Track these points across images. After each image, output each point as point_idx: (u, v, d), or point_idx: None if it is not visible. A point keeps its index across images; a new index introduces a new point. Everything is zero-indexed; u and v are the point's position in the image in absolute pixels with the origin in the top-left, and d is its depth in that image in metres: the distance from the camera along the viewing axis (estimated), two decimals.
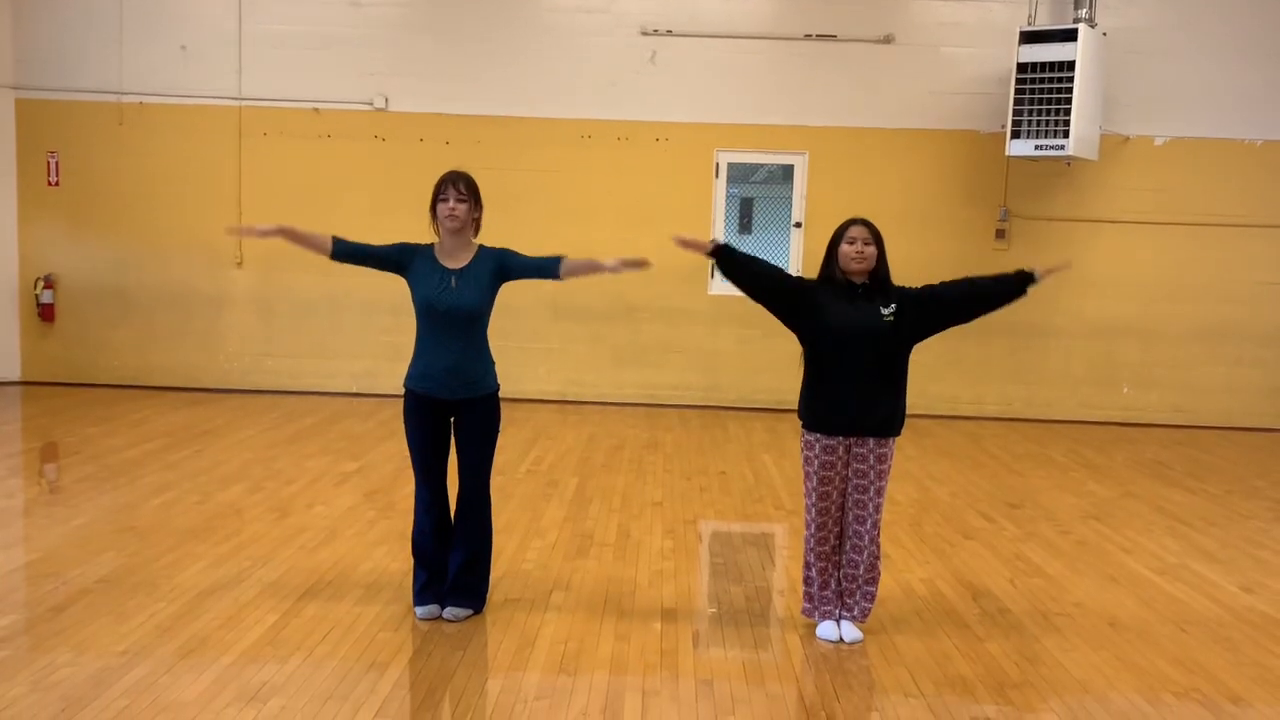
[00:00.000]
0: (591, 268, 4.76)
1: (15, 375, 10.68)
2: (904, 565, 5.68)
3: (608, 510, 6.60)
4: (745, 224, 11.44)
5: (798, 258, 10.55)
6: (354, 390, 10.48)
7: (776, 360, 10.62)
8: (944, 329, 4.58)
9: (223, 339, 10.69)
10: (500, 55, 10.42)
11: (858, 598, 4.60)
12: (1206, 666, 4.45)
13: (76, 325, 10.66)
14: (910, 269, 10.29)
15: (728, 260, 4.72)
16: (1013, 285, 4.55)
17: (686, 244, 4.70)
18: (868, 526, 4.52)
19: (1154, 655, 4.55)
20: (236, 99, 10.45)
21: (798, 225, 10.56)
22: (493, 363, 4.69)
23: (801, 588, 4.73)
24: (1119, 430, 10.18)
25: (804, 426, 4.58)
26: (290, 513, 6.26)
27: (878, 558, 4.59)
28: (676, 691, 4.02)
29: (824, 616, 4.63)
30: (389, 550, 5.58)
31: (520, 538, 5.91)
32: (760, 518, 6.74)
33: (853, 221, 4.58)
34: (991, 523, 6.63)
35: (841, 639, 4.55)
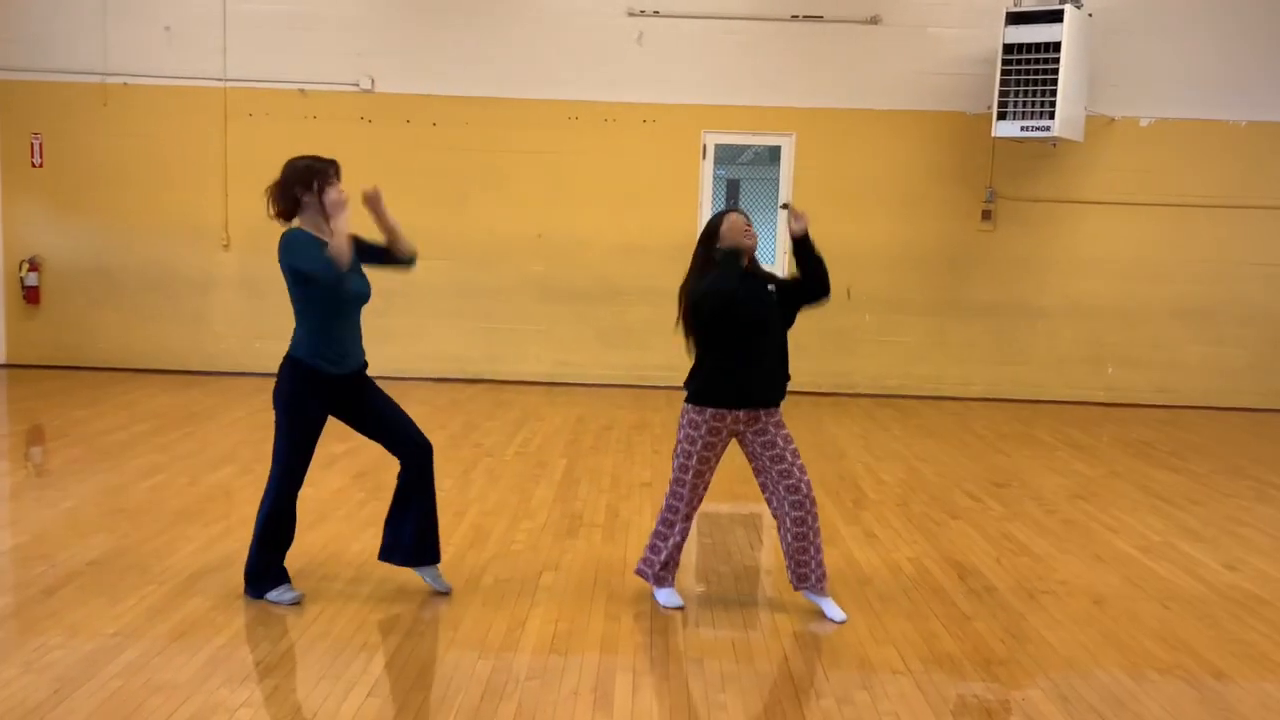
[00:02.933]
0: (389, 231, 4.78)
1: (1, 358, 10.64)
2: (891, 545, 5.73)
3: (597, 491, 6.63)
4: (732, 205, 11.43)
5: (784, 239, 10.55)
6: None
7: None
8: (813, 301, 4.79)
9: (210, 321, 10.67)
10: (487, 36, 10.38)
11: (813, 566, 4.60)
12: (1190, 643, 4.51)
13: (62, 308, 10.61)
14: (896, 249, 10.43)
15: (809, 250, 4.84)
16: (799, 258, 4.82)
17: (797, 216, 4.96)
18: (805, 491, 4.57)
19: (1138, 632, 4.61)
20: (221, 80, 10.40)
21: (784, 207, 10.55)
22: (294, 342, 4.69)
23: (658, 556, 4.73)
24: (1104, 410, 10.26)
25: (693, 403, 4.62)
26: None
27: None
28: (667, 670, 4.05)
29: (662, 584, 4.74)
30: (378, 532, 5.55)
31: (509, 519, 5.93)
32: (748, 498, 6.77)
33: (730, 209, 4.85)
34: (978, 502, 6.68)
35: (830, 619, 4.57)
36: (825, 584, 4.65)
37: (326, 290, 4.44)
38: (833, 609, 4.63)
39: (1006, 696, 3.95)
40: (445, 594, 4.72)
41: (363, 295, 4.71)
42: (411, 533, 4.65)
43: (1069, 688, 4.02)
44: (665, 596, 4.72)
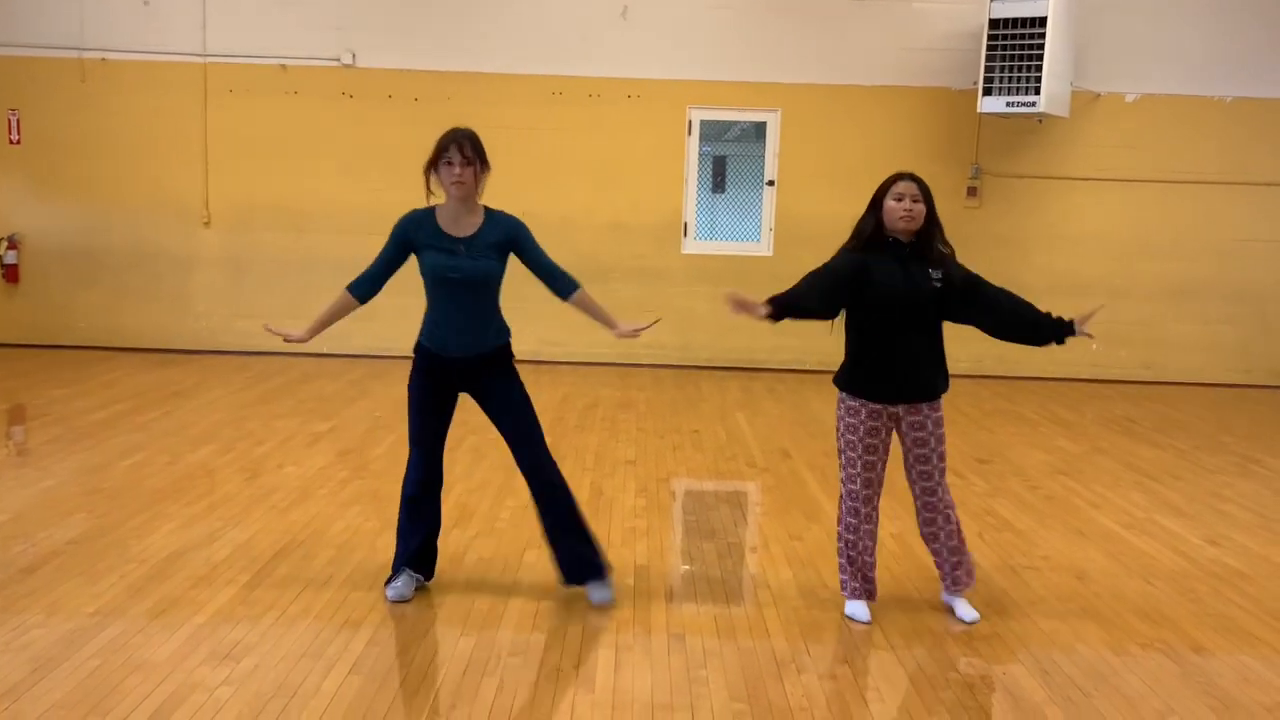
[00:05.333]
0: (602, 318, 4.50)
1: None
2: None
3: (581, 469, 6.61)
4: (718, 182, 11.40)
5: (770, 216, 10.53)
6: (325, 350, 10.40)
7: (749, 320, 10.63)
8: (967, 324, 4.32)
9: (191, 299, 10.59)
10: (470, 10, 10.29)
11: (951, 566, 4.39)
12: (1171, 618, 4.52)
13: (42, 286, 10.52)
14: None
15: (785, 311, 4.22)
16: (1051, 330, 4.34)
17: (741, 306, 4.24)
18: (942, 491, 4.35)
19: (1120, 607, 4.62)
20: (201, 55, 10.28)
21: (770, 183, 10.54)
22: (506, 327, 4.47)
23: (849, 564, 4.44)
24: (1089, 387, 10.28)
25: (846, 393, 4.30)
26: (261, 473, 6.24)
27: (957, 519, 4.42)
28: (649, 646, 4.05)
29: (854, 595, 4.41)
30: (361, 510, 5.57)
31: (494, 496, 5.92)
32: (733, 475, 6.77)
33: (899, 176, 4.24)
34: (961, 478, 6.68)
35: (961, 619, 4.36)
36: (958, 587, 4.44)
37: (419, 265, 4.30)
38: (966, 609, 4.40)
39: (989, 671, 3.96)
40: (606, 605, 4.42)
41: (470, 279, 4.28)
42: (561, 553, 4.47)
43: (1051, 662, 4.03)
44: (851, 608, 4.39)
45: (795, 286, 4.27)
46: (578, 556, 4.45)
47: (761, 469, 6.85)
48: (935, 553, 4.44)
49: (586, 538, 4.47)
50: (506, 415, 4.40)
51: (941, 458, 4.35)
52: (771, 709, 3.58)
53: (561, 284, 4.42)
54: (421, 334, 4.40)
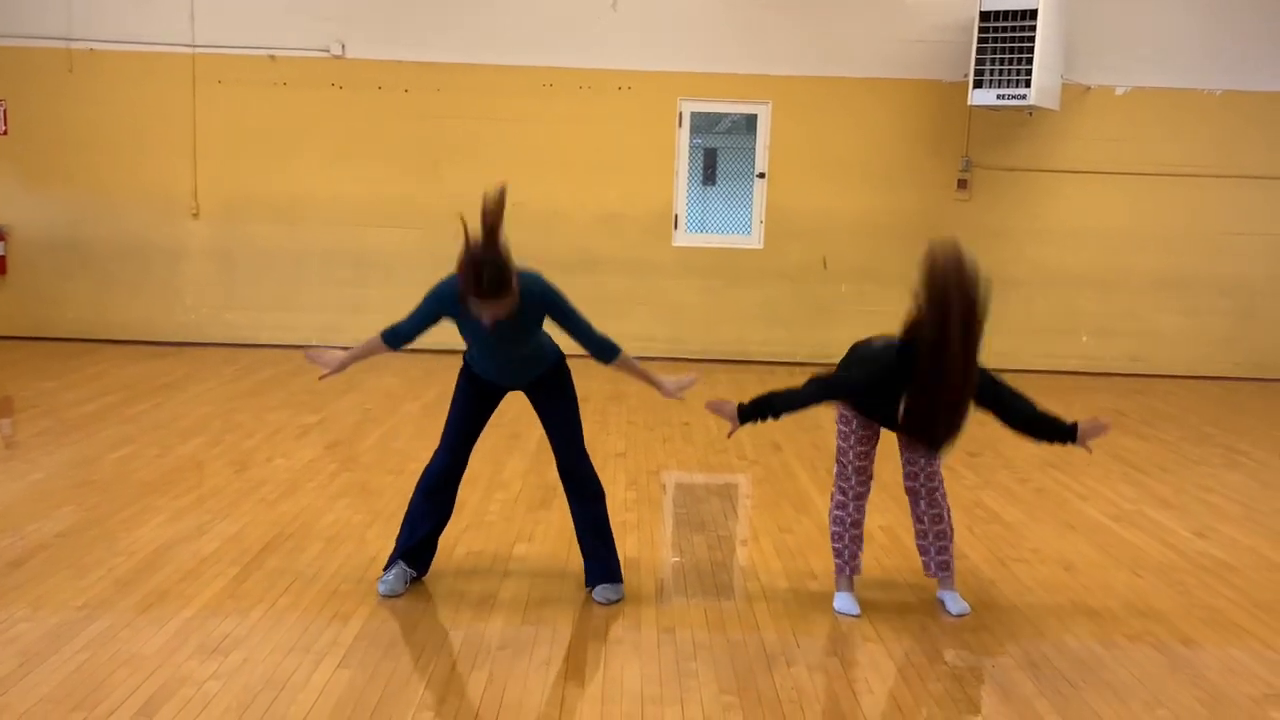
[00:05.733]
0: (647, 378, 4.37)
1: None
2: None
3: None
4: (709, 175, 11.40)
5: (760, 208, 10.53)
6: (315, 343, 10.35)
7: (740, 312, 10.66)
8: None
9: (180, 291, 10.55)
10: (460, 1, 10.25)
11: (934, 553, 4.40)
12: (1159, 610, 4.54)
13: (29, 278, 10.46)
14: (872, 218, 10.40)
15: (765, 411, 4.22)
16: (1057, 434, 4.29)
17: (717, 410, 4.29)
18: (937, 482, 4.38)
19: (1108, 599, 4.64)
20: (190, 46, 10.23)
21: (761, 176, 10.53)
22: (555, 348, 4.37)
23: (834, 559, 4.46)
24: (1078, 379, 10.31)
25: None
26: (250, 466, 6.22)
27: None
28: (639, 639, 4.05)
29: (843, 586, 4.43)
30: (350, 503, 5.56)
31: (483, 490, 5.91)
32: (723, 468, 6.78)
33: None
34: (950, 470, 6.68)
35: (949, 612, 4.37)
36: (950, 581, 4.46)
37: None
38: (956, 601, 4.41)
39: (977, 663, 3.97)
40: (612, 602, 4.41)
41: (497, 349, 4.20)
42: (585, 553, 4.49)
43: (1039, 655, 4.04)
44: (841, 602, 4.40)
45: (794, 393, 4.16)
46: (601, 560, 4.46)
47: (752, 461, 6.85)
48: (919, 535, 4.44)
49: (609, 544, 4.49)
50: (551, 420, 4.44)
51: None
52: (761, 701, 3.59)
53: (603, 351, 4.22)
54: (467, 357, 4.38)
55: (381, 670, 3.72)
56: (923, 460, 4.37)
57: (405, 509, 4.53)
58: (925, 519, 4.43)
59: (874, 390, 4.16)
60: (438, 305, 4.13)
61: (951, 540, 4.47)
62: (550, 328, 4.23)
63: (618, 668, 3.80)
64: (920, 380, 3.95)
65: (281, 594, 4.33)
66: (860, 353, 4.33)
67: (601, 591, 4.42)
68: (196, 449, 6.56)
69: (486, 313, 3.87)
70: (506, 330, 4.03)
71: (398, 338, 4.24)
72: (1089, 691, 3.75)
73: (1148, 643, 4.20)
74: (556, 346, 4.39)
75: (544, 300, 4.09)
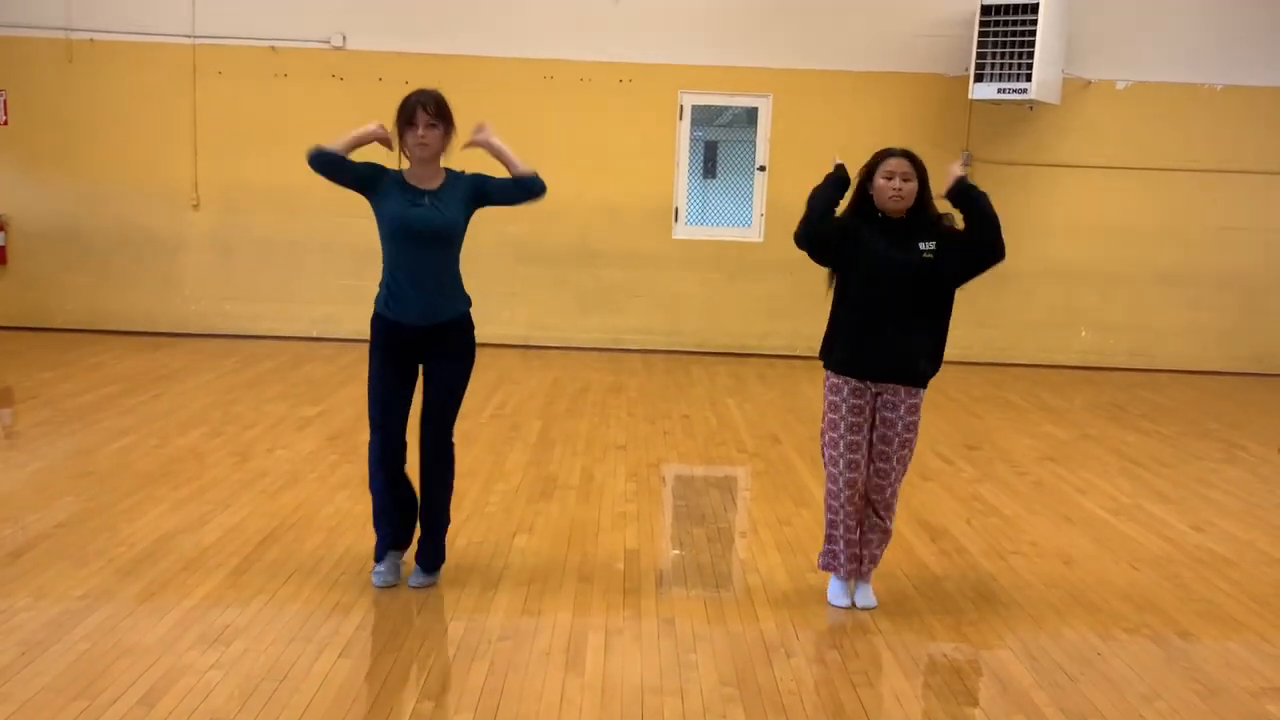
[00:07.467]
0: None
1: None
2: None
3: (571, 453, 6.62)
4: (709, 168, 11.38)
5: (761, 201, 10.52)
6: (315, 334, 10.39)
7: (740, 304, 10.67)
8: (981, 266, 4.16)
9: (180, 282, 10.54)
10: None
11: (873, 547, 4.36)
12: (1157, 603, 4.55)
13: (29, 268, 10.46)
14: None
15: (836, 188, 4.29)
16: (967, 201, 4.18)
17: (964, 163, 4.24)
18: (895, 500, 4.31)
19: (1106, 593, 4.65)
20: (190, 36, 10.21)
21: (761, 169, 10.53)
22: (466, 295, 4.41)
23: (824, 544, 4.43)
24: (1077, 373, 10.31)
25: (829, 369, 4.25)
26: (251, 457, 6.23)
27: (892, 519, 4.37)
28: (639, 630, 4.06)
29: (847, 575, 4.35)
30: (351, 494, 5.57)
31: (484, 481, 5.92)
32: (723, 460, 6.79)
33: (889, 153, 4.13)
34: (950, 464, 6.71)
35: (854, 604, 4.34)
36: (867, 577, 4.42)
37: (378, 219, 4.27)
38: (864, 594, 4.38)
39: (976, 656, 3.98)
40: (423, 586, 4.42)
41: (436, 232, 4.23)
42: (424, 538, 4.47)
43: (1038, 647, 4.06)
44: (832, 592, 4.37)
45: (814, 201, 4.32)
46: (436, 547, 4.46)
47: (751, 454, 6.86)
48: (865, 532, 4.35)
49: (443, 530, 4.49)
50: (438, 382, 4.36)
51: (903, 462, 4.26)
52: (761, 693, 3.60)
53: (532, 184, 4.51)
54: (378, 302, 4.35)
55: (383, 661, 3.73)
56: (892, 477, 4.28)
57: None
58: (875, 527, 4.35)
59: (846, 229, 4.22)
60: (375, 166, 4.29)
61: (887, 543, 4.43)
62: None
63: (618, 659, 3.81)
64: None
65: (283, 584, 4.34)
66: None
67: (421, 578, 4.40)
68: (197, 440, 6.56)
69: (419, 134, 4.15)
70: (437, 204, 4.19)
71: (329, 157, 4.29)
72: (1087, 684, 3.76)
73: (1145, 636, 4.21)
74: (468, 296, 4.41)
75: (471, 175, 4.38)
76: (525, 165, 4.44)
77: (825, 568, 4.45)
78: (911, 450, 4.29)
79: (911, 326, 4.15)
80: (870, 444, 4.25)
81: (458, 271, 4.41)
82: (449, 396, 4.39)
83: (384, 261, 4.34)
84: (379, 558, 4.45)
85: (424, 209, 4.23)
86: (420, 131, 4.21)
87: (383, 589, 4.35)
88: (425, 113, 4.21)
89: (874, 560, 4.41)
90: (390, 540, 4.45)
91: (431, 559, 4.47)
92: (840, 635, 4.11)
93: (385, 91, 10.17)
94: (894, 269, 4.10)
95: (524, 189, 4.43)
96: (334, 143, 4.31)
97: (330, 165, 4.28)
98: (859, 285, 4.17)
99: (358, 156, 4.31)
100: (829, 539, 4.40)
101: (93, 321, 10.45)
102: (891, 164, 4.14)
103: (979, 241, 4.16)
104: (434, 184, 4.30)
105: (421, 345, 4.32)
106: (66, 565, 4.44)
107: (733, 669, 3.77)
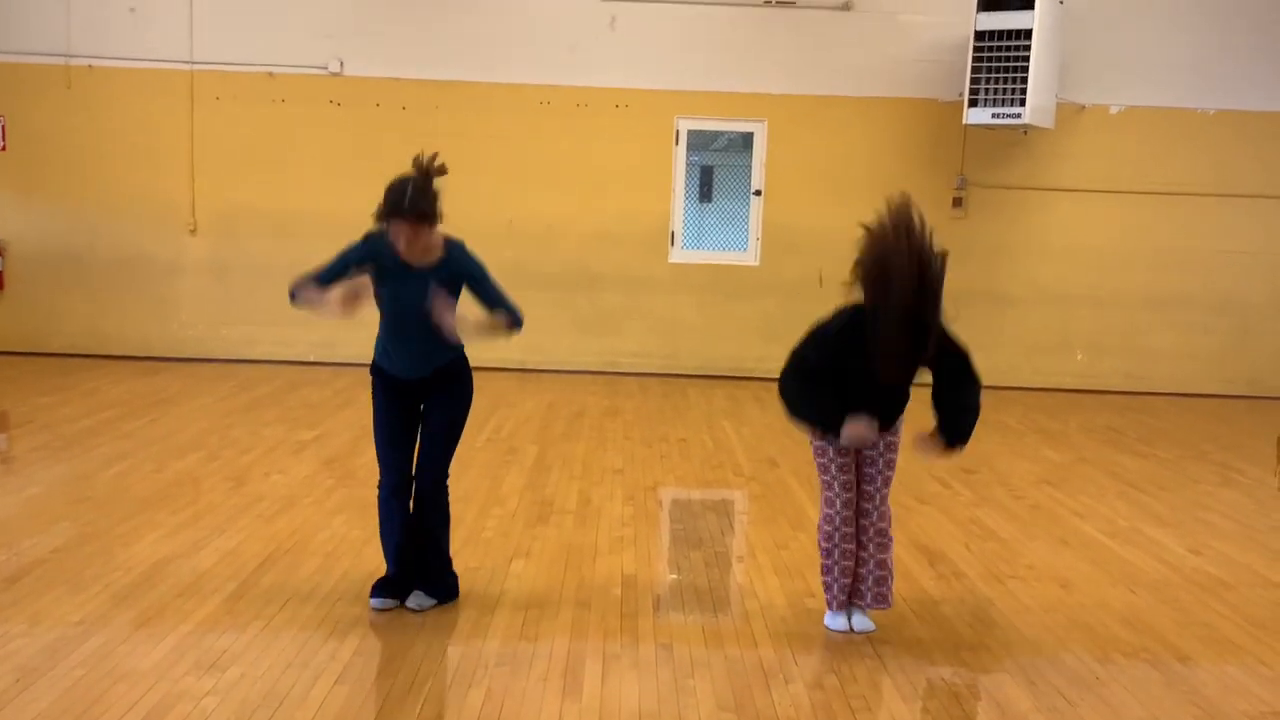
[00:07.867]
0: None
1: None
2: None
3: (568, 477, 6.61)
4: (705, 192, 11.44)
5: (756, 225, 10.56)
6: (311, 359, 10.38)
7: (736, 327, 10.68)
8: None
9: (177, 306, 10.55)
10: (458, 19, 10.29)
11: (871, 583, 4.34)
12: (1155, 627, 4.55)
13: (27, 293, 10.46)
14: None
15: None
16: (945, 428, 4.41)
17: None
18: (875, 514, 4.34)
19: (1104, 616, 4.64)
20: (188, 62, 10.26)
21: (757, 193, 10.57)
22: (459, 341, 4.36)
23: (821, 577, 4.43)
24: (1073, 397, 10.33)
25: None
26: (247, 481, 6.22)
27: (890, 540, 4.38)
28: (636, 656, 4.05)
29: (839, 607, 4.38)
30: (347, 518, 5.56)
31: (480, 506, 5.91)
32: (720, 484, 6.79)
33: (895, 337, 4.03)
34: (947, 488, 6.71)
35: (851, 629, 4.33)
36: (874, 604, 4.40)
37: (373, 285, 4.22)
38: (860, 619, 4.36)
39: (974, 680, 3.97)
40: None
41: (411, 313, 4.18)
42: (423, 569, 4.45)
43: (1036, 671, 4.05)
44: (830, 619, 4.39)
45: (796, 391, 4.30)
46: (438, 576, 4.46)
47: (748, 478, 6.86)
48: (860, 561, 4.35)
49: (445, 563, 4.50)
50: (434, 424, 4.38)
51: (886, 482, 4.35)
52: (759, 718, 3.59)
53: (514, 319, 4.31)
54: (375, 352, 4.42)
55: (379, 686, 3.72)
56: (877, 499, 4.32)
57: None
58: (870, 549, 4.34)
59: (837, 354, 4.19)
60: (361, 245, 4.26)
61: (892, 574, 4.40)
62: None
63: (616, 684, 3.80)
64: (872, 330, 4.05)
65: (279, 610, 4.33)
66: (815, 329, 4.32)
67: (419, 600, 4.39)
68: (193, 464, 6.55)
69: (404, 236, 4.02)
70: (421, 288, 4.09)
71: (307, 297, 4.32)
72: (1086, 708, 3.75)
73: (1144, 659, 4.21)
74: (463, 348, 4.41)
75: (463, 256, 4.28)
76: (508, 317, 4.33)
77: (829, 603, 4.43)
78: (894, 470, 4.40)
79: (895, 395, 4.32)
80: (858, 467, 4.37)
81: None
82: (445, 439, 4.41)
83: (380, 321, 4.38)
84: (381, 590, 4.42)
85: (411, 290, 4.16)
86: (403, 245, 4.11)
87: (380, 611, 4.34)
88: (404, 222, 4.05)
89: (881, 599, 4.36)
90: (394, 573, 4.43)
91: (436, 591, 4.46)
92: (838, 660, 4.10)
93: (382, 117, 10.33)
94: (887, 388, 4.24)
95: (506, 319, 4.32)
96: (305, 292, 4.35)
97: (313, 301, 4.33)
98: (851, 394, 4.20)
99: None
100: (825, 569, 4.39)
101: (90, 346, 10.45)
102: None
103: (938, 405, 4.41)
104: (429, 259, 4.22)
105: (419, 391, 4.39)
106: (62, 591, 4.43)
107: (731, 694, 3.76)
